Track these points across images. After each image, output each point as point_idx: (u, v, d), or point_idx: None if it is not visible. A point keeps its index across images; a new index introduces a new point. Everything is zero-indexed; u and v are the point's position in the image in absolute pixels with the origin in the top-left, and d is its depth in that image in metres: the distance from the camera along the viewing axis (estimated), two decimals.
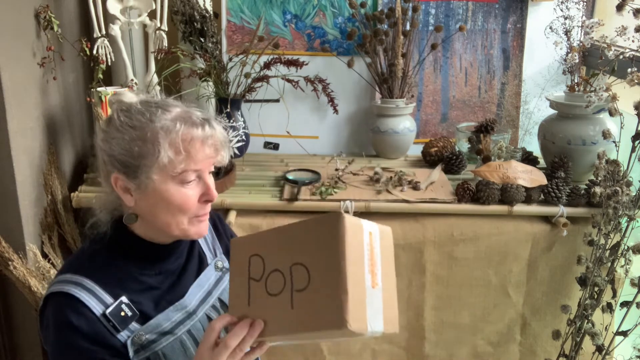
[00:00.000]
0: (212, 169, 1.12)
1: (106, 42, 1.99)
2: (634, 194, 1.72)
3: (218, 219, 1.35)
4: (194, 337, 1.16)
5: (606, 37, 1.78)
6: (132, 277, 1.12)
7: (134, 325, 1.09)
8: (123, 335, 1.08)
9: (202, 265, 1.24)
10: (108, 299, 1.07)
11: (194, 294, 1.19)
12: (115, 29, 2.00)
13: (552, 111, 2.03)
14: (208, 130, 1.07)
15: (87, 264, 1.10)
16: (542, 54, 2.21)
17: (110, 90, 1.86)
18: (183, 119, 1.05)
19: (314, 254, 0.89)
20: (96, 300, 1.07)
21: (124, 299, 1.09)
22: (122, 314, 1.08)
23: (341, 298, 0.83)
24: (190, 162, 1.05)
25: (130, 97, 1.09)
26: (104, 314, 1.06)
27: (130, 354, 1.08)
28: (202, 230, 1.13)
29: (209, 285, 1.23)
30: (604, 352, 1.74)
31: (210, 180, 1.11)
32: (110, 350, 1.07)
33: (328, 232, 0.87)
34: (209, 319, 1.20)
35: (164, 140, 1.03)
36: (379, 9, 2.25)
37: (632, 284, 1.69)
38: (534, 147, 2.17)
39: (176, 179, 1.06)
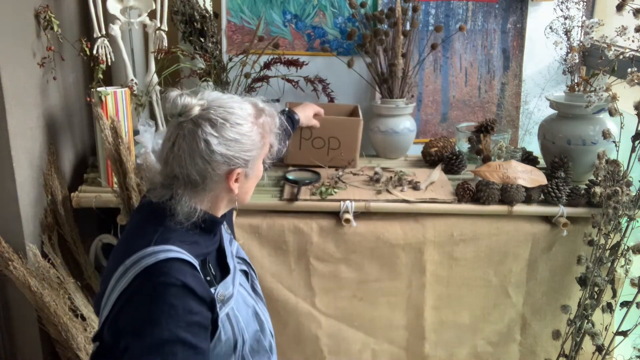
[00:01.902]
0: None
1: (106, 42, 1.99)
2: (634, 194, 1.72)
3: None
4: (243, 287, 1.28)
5: (606, 37, 1.78)
6: (200, 245, 1.17)
7: (215, 283, 1.17)
8: (212, 291, 1.14)
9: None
10: (195, 261, 1.12)
11: (229, 253, 1.29)
12: (115, 29, 2.00)
13: (552, 111, 2.03)
14: (277, 120, 1.25)
15: (166, 235, 1.12)
16: (542, 54, 2.21)
17: (110, 90, 1.86)
18: (266, 112, 1.21)
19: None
20: (190, 258, 1.11)
21: (207, 260, 1.18)
22: (211, 271, 1.17)
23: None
24: (266, 138, 1.22)
25: (188, 100, 1.13)
26: (201, 270, 1.12)
27: (218, 308, 1.14)
28: (246, 199, 1.29)
29: (228, 245, 1.32)
30: (604, 352, 1.74)
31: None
32: (211, 312, 1.11)
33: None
34: (241, 271, 1.32)
35: (270, 128, 1.22)
36: (379, 9, 2.25)
37: (632, 284, 1.69)
38: (534, 147, 2.17)
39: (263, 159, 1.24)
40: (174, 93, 1.13)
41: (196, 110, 1.12)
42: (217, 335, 1.14)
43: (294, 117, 1.92)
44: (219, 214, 1.23)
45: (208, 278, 1.15)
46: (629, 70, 1.66)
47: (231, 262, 1.28)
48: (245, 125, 1.15)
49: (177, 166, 1.14)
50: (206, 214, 1.17)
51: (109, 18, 2.00)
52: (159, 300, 1.05)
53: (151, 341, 1.03)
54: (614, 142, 1.79)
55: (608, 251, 1.74)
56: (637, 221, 1.75)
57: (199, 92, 1.18)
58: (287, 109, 1.95)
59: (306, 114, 1.98)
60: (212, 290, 1.14)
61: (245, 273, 1.34)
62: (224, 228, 1.36)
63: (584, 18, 2.05)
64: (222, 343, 1.15)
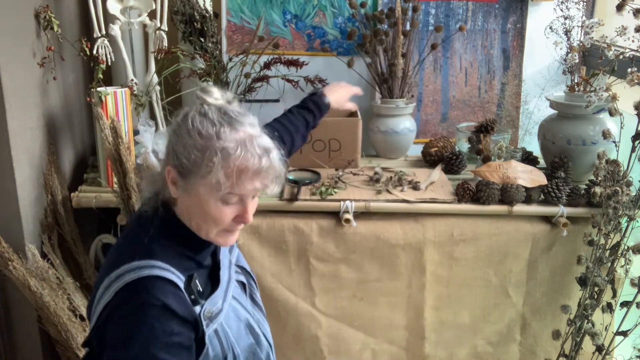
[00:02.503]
0: (257, 194, 1.13)
1: (106, 42, 1.99)
2: (634, 194, 1.72)
3: None
4: (237, 300, 1.23)
5: (606, 37, 1.78)
6: (186, 257, 1.14)
7: (201, 300, 1.13)
8: (197, 309, 1.11)
9: None
10: (180, 275, 1.09)
11: (224, 265, 1.24)
12: (115, 29, 2.00)
13: (552, 111, 2.03)
14: (265, 163, 1.07)
15: (151, 248, 1.10)
16: (542, 54, 2.21)
17: (110, 90, 1.86)
18: (245, 146, 1.06)
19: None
20: (174, 276, 1.08)
21: (194, 274, 1.12)
22: (198, 288, 1.12)
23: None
24: (237, 188, 1.07)
25: (216, 96, 1.11)
26: (185, 289, 1.09)
27: (205, 326, 1.11)
28: (228, 242, 1.16)
29: (227, 253, 1.29)
30: (604, 352, 1.74)
31: (252, 203, 1.13)
32: (195, 332, 1.10)
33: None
34: (238, 282, 1.27)
35: (218, 163, 1.05)
36: (379, 9, 2.25)
37: (632, 284, 1.69)
38: (534, 147, 2.17)
39: (219, 198, 1.08)
40: (215, 87, 1.13)
41: (208, 99, 1.10)
42: (205, 352, 1.11)
43: (322, 101, 1.66)
44: (202, 233, 1.13)
45: (193, 296, 1.10)
46: (629, 70, 1.66)
47: (225, 274, 1.23)
48: (210, 137, 1.06)
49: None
50: (189, 231, 1.13)
51: (109, 18, 2.00)
52: (139, 320, 1.03)
53: (130, 359, 1.03)
54: (614, 142, 1.79)
55: (608, 251, 1.74)
56: (637, 221, 1.75)
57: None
58: (318, 91, 1.69)
59: (339, 95, 1.71)
60: (198, 308, 1.11)
61: (243, 284, 1.30)
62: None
63: (584, 18, 2.05)
64: (210, 359, 1.13)
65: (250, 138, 1.07)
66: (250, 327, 1.23)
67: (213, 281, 1.20)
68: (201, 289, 1.12)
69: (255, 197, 1.13)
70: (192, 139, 1.06)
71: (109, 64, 2.01)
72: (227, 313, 1.18)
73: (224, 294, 1.19)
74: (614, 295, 1.76)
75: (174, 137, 1.10)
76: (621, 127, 1.76)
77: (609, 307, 1.76)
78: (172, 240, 1.13)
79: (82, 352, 1.71)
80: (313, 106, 1.66)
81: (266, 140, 1.10)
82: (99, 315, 1.08)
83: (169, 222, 1.13)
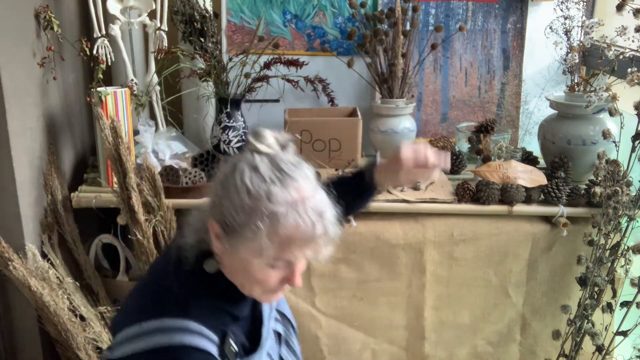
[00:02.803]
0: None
1: (106, 42, 1.99)
2: (634, 194, 1.72)
3: None
4: (270, 356, 1.14)
5: (606, 37, 1.78)
6: (223, 310, 1.06)
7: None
8: None
9: None
10: (214, 337, 1.01)
11: (265, 315, 1.16)
12: (115, 29, 2.00)
13: (552, 111, 2.03)
14: (318, 230, 0.96)
15: (186, 304, 1.02)
16: (542, 54, 2.21)
17: (110, 90, 1.86)
18: (297, 211, 0.95)
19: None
20: (207, 341, 1.00)
21: (229, 333, 1.04)
22: (232, 349, 1.04)
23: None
24: (285, 254, 0.98)
25: (269, 142, 1.00)
26: (220, 354, 1.01)
27: None
28: (270, 300, 1.09)
29: (268, 305, 1.20)
30: (604, 352, 1.74)
31: (301, 264, 1.03)
32: None
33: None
34: (275, 332, 1.18)
35: (265, 229, 0.95)
36: (379, 9, 2.25)
37: (632, 284, 1.69)
38: (534, 147, 2.17)
39: (266, 262, 0.99)
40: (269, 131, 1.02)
41: (260, 147, 0.99)
42: None
43: (369, 180, 1.29)
44: (244, 290, 1.04)
45: (232, 349, 1.03)
46: (629, 70, 1.66)
47: (266, 329, 1.13)
48: (259, 198, 0.95)
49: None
50: (230, 284, 1.04)
51: (109, 18, 2.00)
52: None
53: None
54: (614, 142, 1.79)
55: (608, 251, 1.74)
56: (637, 221, 1.75)
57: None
58: (375, 162, 1.31)
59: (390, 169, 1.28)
60: None
61: (278, 334, 1.20)
62: None
63: (584, 18, 2.05)
64: None
65: (303, 200, 0.96)
66: None
67: (251, 337, 1.11)
68: (236, 349, 1.04)
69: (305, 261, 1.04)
70: (239, 198, 0.96)
71: (109, 64, 2.01)
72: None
73: (261, 354, 1.10)
74: (614, 295, 1.76)
75: (221, 190, 0.99)
76: (621, 127, 1.76)
77: (609, 307, 1.76)
78: (210, 292, 1.04)
79: (82, 352, 1.71)
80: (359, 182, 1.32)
81: (321, 200, 0.98)
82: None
83: (209, 273, 1.04)
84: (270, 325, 1.17)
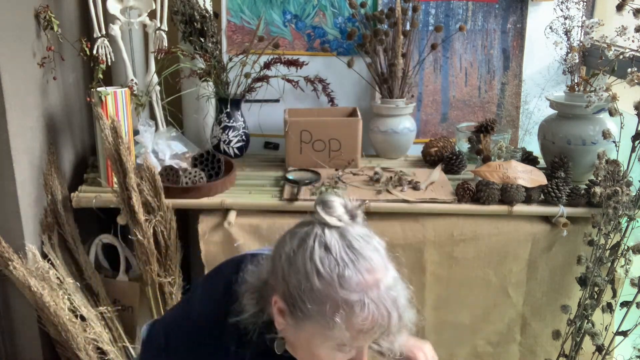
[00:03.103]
0: None
1: (106, 42, 1.99)
2: (634, 194, 1.72)
3: None
4: None
5: (606, 37, 1.78)
6: None
7: None
8: None
9: None
10: None
11: None
12: (115, 29, 2.00)
13: (552, 111, 2.03)
14: (394, 319, 0.93)
15: None
16: (542, 54, 2.21)
17: (110, 90, 1.86)
18: (372, 300, 0.91)
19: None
20: None
21: None
22: None
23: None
24: (358, 343, 0.94)
25: (339, 213, 0.96)
26: None
27: None
28: None
29: None
30: (604, 352, 1.74)
31: (366, 349, 0.98)
32: None
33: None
34: None
35: (342, 322, 0.91)
36: (379, 9, 2.25)
37: (632, 284, 1.69)
38: (534, 147, 2.17)
39: (334, 345, 0.95)
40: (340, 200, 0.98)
41: (330, 220, 0.95)
42: None
43: None
44: (299, 356, 1.01)
45: None
46: (629, 70, 1.66)
47: None
48: (331, 282, 0.91)
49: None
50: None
51: (109, 18, 2.00)
52: None
53: None
54: (614, 142, 1.79)
55: (608, 251, 1.74)
56: (637, 221, 1.75)
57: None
58: None
59: None
60: None
61: None
62: None
63: (584, 18, 2.05)
64: None
65: (377, 284, 0.93)
66: None
67: None
68: None
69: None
70: (309, 280, 0.91)
71: (109, 64, 2.01)
72: None
73: None
74: (614, 295, 1.76)
75: (287, 265, 0.95)
76: (621, 127, 1.76)
77: (609, 307, 1.76)
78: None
79: (82, 353, 1.71)
80: None
81: (394, 282, 0.96)
82: None
83: (268, 345, 1.01)
84: None
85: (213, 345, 1.05)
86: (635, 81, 1.64)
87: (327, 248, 0.92)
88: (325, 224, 0.95)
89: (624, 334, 1.72)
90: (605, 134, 1.80)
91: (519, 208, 1.85)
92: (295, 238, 0.96)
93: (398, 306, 0.94)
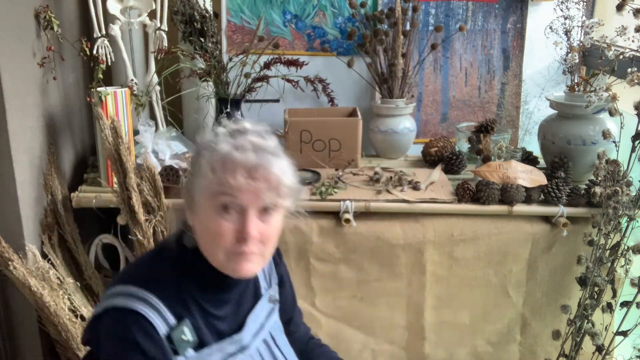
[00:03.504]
0: (268, 208, 1.03)
1: (106, 42, 1.99)
2: (634, 194, 1.72)
3: (277, 248, 1.28)
4: None
5: (606, 37, 1.78)
6: (195, 301, 1.07)
7: (190, 351, 1.05)
8: (180, 359, 1.04)
9: (257, 295, 1.20)
10: (171, 319, 1.03)
11: (249, 328, 1.15)
12: (115, 29, 2.00)
13: (552, 111, 2.03)
14: (252, 158, 0.98)
15: (153, 279, 1.05)
16: (542, 54, 2.21)
17: (110, 90, 1.86)
18: (232, 142, 1.00)
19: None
20: (161, 319, 1.02)
21: (187, 321, 1.04)
22: (184, 337, 1.04)
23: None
24: (224, 186, 0.99)
25: (245, 124, 1.06)
26: (168, 336, 1.02)
27: None
28: (240, 270, 1.04)
29: (262, 317, 1.20)
30: (604, 352, 1.74)
31: (256, 220, 1.02)
32: None
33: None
34: (260, 354, 1.16)
35: (204, 159, 1.00)
36: (379, 9, 2.25)
37: (632, 284, 1.69)
38: (534, 147, 2.17)
39: (216, 205, 1.00)
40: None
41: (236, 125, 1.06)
42: None
43: None
44: (213, 259, 1.05)
45: (173, 346, 1.02)
46: (629, 70, 1.66)
47: (246, 338, 1.13)
48: (204, 141, 1.04)
49: None
50: (205, 266, 1.05)
51: (109, 18, 2.00)
52: (106, 347, 1.02)
53: None
54: (614, 142, 1.79)
55: (608, 251, 1.74)
56: (637, 221, 1.75)
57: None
58: None
59: None
60: (182, 358, 1.04)
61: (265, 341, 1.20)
62: (267, 292, 1.21)
63: (584, 18, 2.05)
64: None
65: (244, 130, 1.02)
66: None
67: (217, 333, 1.10)
68: (190, 339, 1.05)
69: (269, 216, 1.04)
70: (194, 151, 1.05)
71: (109, 64, 2.01)
72: None
73: (223, 354, 1.10)
74: (614, 295, 1.76)
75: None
76: (621, 127, 1.76)
77: (609, 307, 1.76)
78: (184, 275, 1.07)
79: (82, 352, 1.71)
80: None
81: (265, 142, 1.01)
82: (90, 321, 1.07)
83: (188, 259, 1.07)
84: (255, 341, 1.16)
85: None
86: (635, 81, 1.64)
87: (215, 134, 1.04)
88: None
89: (624, 334, 1.72)
90: (605, 134, 1.80)
91: (519, 208, 1.85)
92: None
93: (264, 153, 0.99)
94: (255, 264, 1.05)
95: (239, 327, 1.13)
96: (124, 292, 1.03)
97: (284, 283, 1.28)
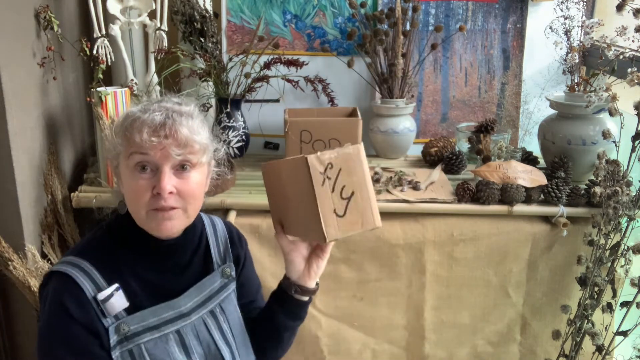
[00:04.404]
0: (184, 165, 1.10)
1: (106, 42, 1.99)
2: (634, 194, 1.72)
3: (236, 231, 1.36)
4: (182, 338, 1.17)
5: (606, 37, 1.78)
6: (130, 267, 1.14)
7: (121, 313, 1.11)
8: (108, 321, 1.10)
9: (207, 268, 1.24)
10: (103, 283, 1.10)
11: (191, 296, 1.19)
12: (115, 29, 2.00)
13: (552, 111, 2.03)
14: (158, 117, 1.07)
15: (89, 248, 1.14)
16: (542, 54, 2.21)
17: (110, 90, 1.86)
18: (143, 107, 1.11)
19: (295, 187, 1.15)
20: (91, 282, 1.09)
21: (117, 285, 1.11)
22: (113, 300, 1.10)
23: (318, 218, 1.06)
24: (134, 145, 1.07)
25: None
26: (94, 297, 1.09)
27: (112, 342, 1.10)
28: (161, 227, 1.10)
29: (212, 290, 1.23)
30: (604, 352, 1.74)
31: (170, 175, 1.08)
32: (99, 339, 1.10)
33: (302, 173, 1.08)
34: (205, 324, 1.20)
35: (120, 127, 1.10)
36: (379, 9, 2.25)
37: (632, 284, 1.69)
38: (534, 147, 2.17)
39: (132, 166, 1.08)
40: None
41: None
42: None
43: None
44: (138, 219, 1.11)
45: (100, 307, 1.09)
46: (629, 70, 1.66)
47: (186, 302, 1.18)
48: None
49: None
50: (134, 224, 1.13)
51: (109, 18, 2.00)
52: (45, 311, 1.10)
53: (40, 349, 1.09)
54: (614, 142, 1.79)
55: (608, 251, 1.74)
56: (637, 221, 1.75)
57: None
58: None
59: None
60: (109, 320, 1.10)
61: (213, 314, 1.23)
62: (221, 267, 1.25)
63: (584, 18, 2.05)
64: None
65: (161, 100, 1.13)
66: None
67: (154, 298, 1.15)
68: (120, 301, 1.10)
69: (186, 173, 1.10)
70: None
71: (109, 64, 2.01)
72: (157, 342, 1.13)
73: (154, 318, 1.14)
74: (614, 295, 1.76)
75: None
76: (621, 127, 1.76)
77: (609, 307, 1.76)
78: (120, 243, 1.15)
79: None
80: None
81: (178, 107, 1.11)
82: (38, 288, 1.19)
83: (122, 227, 1.15)
84: (195, 307, 1.19)
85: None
86: (635, 81, 1.64)
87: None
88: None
89: (624, 334, 1.72)
90: (605, 134, 1.80)
91: (519, 208, 1.85)
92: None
93: (172, 114, 1.08)
94: (176, 220, 1.11)
95: (178, 295, 1.18)
96: (62, 261, 1.13)
97: (241, 264, 1.32)
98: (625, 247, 1.72)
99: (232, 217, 1.81)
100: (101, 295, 1.09)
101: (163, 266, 1.17)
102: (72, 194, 1.87)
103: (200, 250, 1.24)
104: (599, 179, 1.80)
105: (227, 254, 1.29)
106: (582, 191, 1.85)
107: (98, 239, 1.17)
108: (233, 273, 1.28)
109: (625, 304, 1.72)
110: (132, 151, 1.07)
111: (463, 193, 1.86)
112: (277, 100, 2.26)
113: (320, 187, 1.05)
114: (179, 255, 1.20)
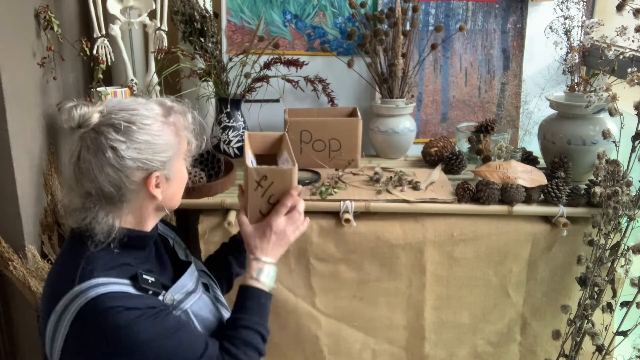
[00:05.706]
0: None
1: (106, 42, 1.99)
2: (634, 194, 1.72)
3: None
4: (214, 293, 1.35)
5: (606, 37, 1.78)
6: (132, 265, 1.16)
7: (158, 288, 1.15)
8: (160, 298, 1.14)
9: (166, 244, 1.37)
10: (124, 280, 1.10)
11: (191, 272, 1.29)
12: (115, 29, 2.00)
13: (552, 111, 2.03)
14: (189, 119, 1.23)
15: (90, 267, 1.08)
16: (542, 54, 2.21)
17: (110, 90, 1.86)
18: (170, 108, 1.21)
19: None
20: (118, 285, 1.08)
21: (138, 272, 1.12)
22: (147, 280, 1.12)
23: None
24: (185, 137, 1.21)
25: (82, 112, 1.13)
26: (138, 287, 1.10)
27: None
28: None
29: (200, 269, 1.39)
30: (604, 352, 1.74)
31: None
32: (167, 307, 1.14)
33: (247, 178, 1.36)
34: (203, 284, 1.33)
35: (183, 131, 1.19)
36: (379, 9, 2.25)
37: (632, 284, 1.69)
38: (534, 147, 2.17)
39: (183, 158, 1.22)
40: (69, 104, 1.07)
41: (95, 118, 1.07)
42: None
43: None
44: (148, 226, 1.19)
45: (150, 290, 1.11)
46: (629, 70, 1.66)
47: (189, 282, 1.26)
48: (154, 125, 1.11)
49: (88, 181, 1.08)
50: (130, 231, 1.14)
51: (109, 18, 2.01)
52: (118, 335, 1.03)
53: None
54: (614, 142, 1.79)
55: (608, 251, 1.74)
56: (637, 221, 1.75)
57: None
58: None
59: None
60: (161, 297, 1.15)
61: (206, 285, 1.34)
62: (176, 242, 1.39)
63: (584, 18, 2.05)
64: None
65: (162, 99, 1.23)
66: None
67: (173, 272, 1.28)
68: (152, 279, 1.14)
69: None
70: (150, 130, 1.12)
71: (109, 64, 2.01)
72: (197, 303, 1.22)
73: (191, 282, 1.25)
74: (614, 295, 1.76)
75: (132, 151, 1.09)
76: (621, 127, 1.76)
77: (609, 307, 1.76)
78: (112, 251, 1.12)
79: None
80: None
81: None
82: (62, 355, 1.06)
83: (104, 230, 1.11)
84: (196, 275, 1.30)
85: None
86: (635, 81, 1.64)
87: (112, 125, 1.09)
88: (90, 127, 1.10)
89: (624, 334, 1.72)
90: (605, 134, 1.80)
91: (519, 208, 1.85)
92: (89, 150, 1.08)
93: (186, 112, 1.21)
94: None
95: (186, 268, 1.28)
96: (75, 294, 1.05)
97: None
98: (625, 247, 1.71)
99: (232, 217, 1.81)
100: (138, 284, 1.10)
101: (150, 257, 1.24)
102: None
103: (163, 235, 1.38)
104: (599, 179, 1.80)
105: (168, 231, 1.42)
106: (582, 191, 1.85)
107: (93, 256, 1.11)
108: (183, 244, 1.43)
109: (625, 304, 1.72)
110: (181, 145, 1.18)
111: (463, 193, 1.86)
112: (277, 100, 2.26)
113: (253, 191, 1.34)
114: (164, 243, 1.34)
